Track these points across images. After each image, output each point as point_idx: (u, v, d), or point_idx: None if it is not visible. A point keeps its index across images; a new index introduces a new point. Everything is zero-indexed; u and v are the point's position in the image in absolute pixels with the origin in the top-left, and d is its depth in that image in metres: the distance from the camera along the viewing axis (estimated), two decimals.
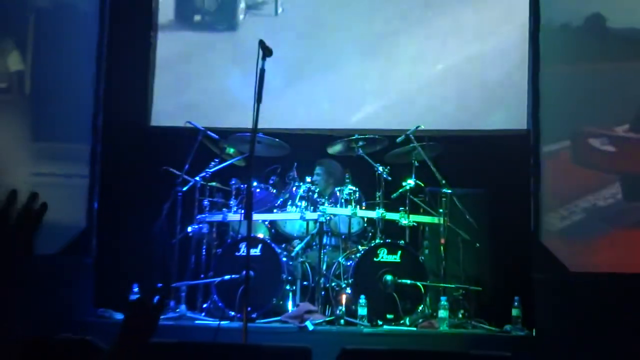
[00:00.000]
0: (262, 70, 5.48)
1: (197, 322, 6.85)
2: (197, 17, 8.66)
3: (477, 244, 7.20)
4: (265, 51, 5.56)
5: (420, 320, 6.84)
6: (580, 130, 7.10)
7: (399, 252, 6.93)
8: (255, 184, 7.18)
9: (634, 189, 6.91)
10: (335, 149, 7.67)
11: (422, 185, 7.33)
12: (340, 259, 7.26)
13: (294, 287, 7.12)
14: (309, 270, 7.27)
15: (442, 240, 7.23)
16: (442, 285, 7.06)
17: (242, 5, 8.58)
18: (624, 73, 7.08)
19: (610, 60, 7.19)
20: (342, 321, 6.76)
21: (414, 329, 6.72)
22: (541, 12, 7.42)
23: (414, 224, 7.33)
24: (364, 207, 7.34)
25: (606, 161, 7.05)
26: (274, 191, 7.53)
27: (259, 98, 5.48)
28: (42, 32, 7.74)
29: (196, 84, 8.53)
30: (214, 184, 7.51)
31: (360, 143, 7.37)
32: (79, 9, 7.78)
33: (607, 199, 6.98)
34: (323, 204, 7.26)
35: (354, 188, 7.37)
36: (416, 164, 7.31)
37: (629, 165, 6.98)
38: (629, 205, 6.90)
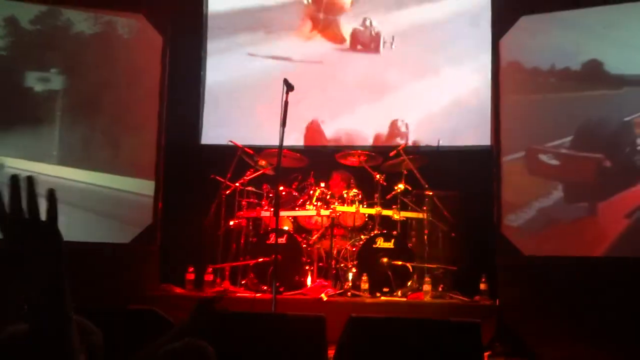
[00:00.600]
0: (286, 102, 5.49)
1: (237, 294, 6.84)
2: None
3: (453, 234, 7.20)
4: (289, 87, 5.58)
5: (409, 293, 6.82)
6: (532, 148, 7.06)
7: (393, 240, 6.90)
8: (281, 188, 7.19)
9: (573, 193, 6.90)
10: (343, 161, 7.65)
11: (410, 189, 7.30)
12: (347, 245, 7.28)
13: (312, 268, 7.09)
14: (323, 255, 7.26)
15: (426, 231, 7.22)
16: (425, 265, 7.02)
17: None
18: (565, 102, 7.04)
19: (555, 92, 7.15)
20: (349, 294, 6.75)
21: (405, 299, 6.70)
22: (500, 57, 7.40)
23: (404, 218, 7.31)
24: (365, 206, 7.33)
25: (552, 172, 7.02)
26: (296, 194, 7.55)
27: (283, 123, 5.49)
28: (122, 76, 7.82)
29: (236, 111, 8.53)
30: (250, 188, 7.53)
31: (363, 157, 7.41)
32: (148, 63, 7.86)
33: (552, 200, 6.97)
34: (334, 203, 7.27)
35: (357, 191, 7.41)
36: (405, 172, 7.27)
37: (569, 175, 6.95)
38: (569, 206, 6.88)
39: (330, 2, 8.58)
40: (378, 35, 8.40)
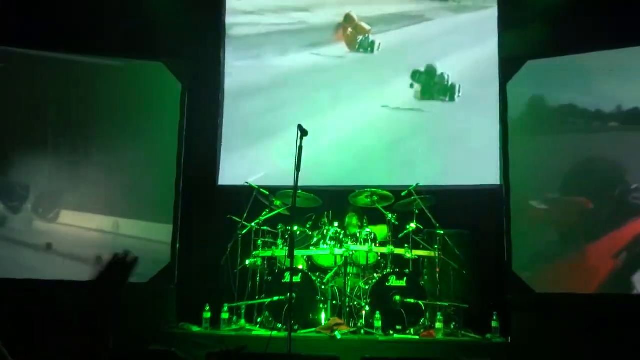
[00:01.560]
0: (300, 147, 5.51)
1: (253, 332, 6.78)
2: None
3: (464, 272, 7.13)
4: (303, 132, 5.60)
5: (422, 330, 6.74)
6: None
7: (405, 279, 6.87)
8: (295, 227, 7.16)
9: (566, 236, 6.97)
10: (356, 201, 7.62)
11: (421, 227, 7.29)
12: (360, 284, 7.24)
13: (326, 305, 7.02)
14: (337, 292, 7.18)
15: (437, 269, 7.19)
16: (438, 303, 6.96)
17: None
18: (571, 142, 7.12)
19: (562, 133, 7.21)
20: (362, 331, 6.69)
21: (417, 337, 6.63)
22: (508, 100, 7.45)
23: (416, 257, 7.28)
24: (378, 245, 7.29)
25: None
26: (310, 233, 7.49)
27: (298, 167, 5.49)
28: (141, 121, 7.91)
29: (252, 153, 8.56)
30: (265, 228, 7.50)
31: (375, 197, 7.39)
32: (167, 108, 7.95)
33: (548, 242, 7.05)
34: (347, 242, 7.24)
35: (369, 230, 7.36)
36: (416, 211, 7.25)
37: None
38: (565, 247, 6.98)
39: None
40: None
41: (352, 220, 7.70)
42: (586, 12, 7.35)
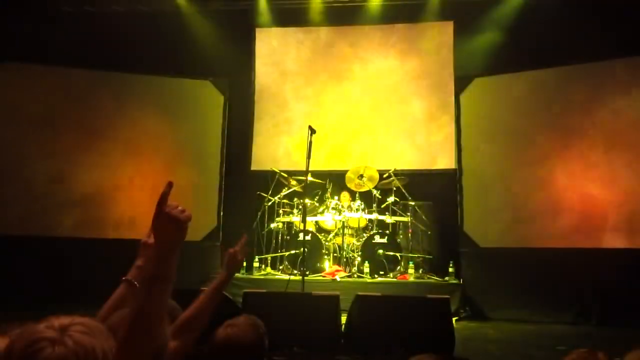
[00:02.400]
0: (310, 142, 5.50)
1: (276, 277, 6.84)
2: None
3: (429, 232, 7.15)
4: (312, 131, 5.57)
5: (398, 275, 6.78)
6: None
7: (386, 237, 6.88)
8: (307, 200, 7.13)
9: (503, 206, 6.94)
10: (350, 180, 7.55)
11: (398, 200, 7.27)
12: (354, 241, 7.24)
13: (329, 257, 7.08)
14: (337, 248, 7.21)
15: (410, 230, 7.20)
16: (410, 255, 7.00)
17: None
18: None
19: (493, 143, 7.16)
20: (355, 275, 6.73)
21: (395, 279, 6.66)
22: (461, 107, 7.39)
23: (394, 221, 7.29)
24: (366, 213, 7.26)
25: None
26: (317, 204, 7.46)
27: (308, 155, 5.50)
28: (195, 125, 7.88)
29: (275, 145, 8.53)
30: (284, 201, 7.49)
31: (364, 178, 7.31)
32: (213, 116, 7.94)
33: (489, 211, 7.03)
34: (344, 211, 7.21)
35: (360, 202, 7.32)
36: (394, 188, 7.22)
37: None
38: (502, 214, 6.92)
39: None
40: None
41: (345, 197, 7.61)
42: (518, 42, 7.29)
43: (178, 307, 1.91)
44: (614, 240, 6.18)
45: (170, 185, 1.25)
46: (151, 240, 1.75)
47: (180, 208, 1.25)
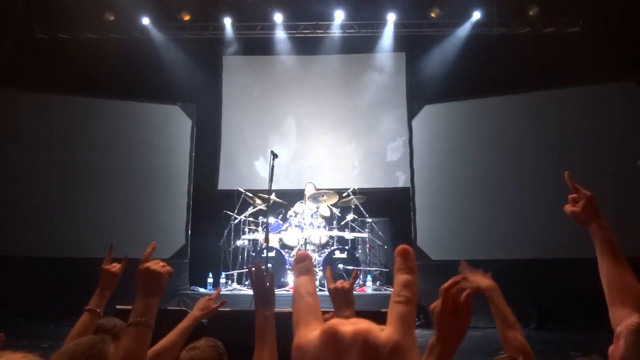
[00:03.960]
0: (272, 166, 5.59)
1: (242, 292, 6.84)
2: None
3: (385, 247, 7.33)
4: (274, 156, 5.68)
5: (357, 287, 6.88)
6: None
7: (346, 252, 6.96)
8: (271, 219, 7.25)
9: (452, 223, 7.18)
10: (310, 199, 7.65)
11: (356, 217, 7.40)
12: (315, 256, 7.23)
13: (292, 272, 7.11)
14: None
15: (367, 245, 7.35)
16: (368, 268, 7.14)
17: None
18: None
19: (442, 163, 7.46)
20: (317, 289, 6.75)
21: (354, 291, 6.75)
22: (413, 131, 7.67)
23: (353, 237, 7.38)
24: (327, 229, 7.37)
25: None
26: (281, 222, 7.52)
27: (270, 179, 5.60)
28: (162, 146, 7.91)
29: (241, 166, 8.64)
30: (250, 219, 7.49)
31: (324, 196, 7.39)
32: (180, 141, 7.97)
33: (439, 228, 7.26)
34: (306, 228, 7.26)
35: (322, 220, 7.44)
36: (353, 206, 7.38)
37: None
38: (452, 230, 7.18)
39: None
40: None
41: (310, 188, 7.63)
42: (464, 71, 7.67)
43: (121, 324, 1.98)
44: (550, 252, 6.52)
45: (153, 246, 1.41)
46: (111, 268, 1.89)
47: (161, 264, 1.40)
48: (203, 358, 1.90)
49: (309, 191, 7.58)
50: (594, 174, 5.98)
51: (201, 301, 2.12)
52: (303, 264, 0.61)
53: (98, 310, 1.86)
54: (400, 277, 0.57)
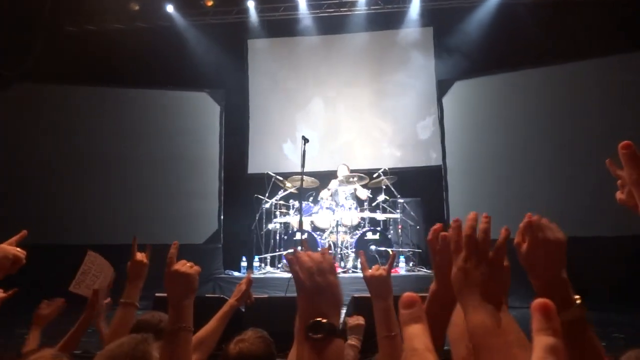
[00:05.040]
0: (304, 151, 5.55)
1: (275, 275, 6.87)
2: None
3: (417, 227, 7.26)
4: (305, 140, 5.64)
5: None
6: None
7: (378, 233, 6.93)
8: (303, 201, 7.28)
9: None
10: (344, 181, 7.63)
11: (388, 198, 7.32)
12: (347, 238, 7.25)
13: None
14: (332, 245, 7.18)
15: (399, 226, 7.30)
16: (400, 249, 7.10)
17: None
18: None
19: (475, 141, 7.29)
20: (350, 271, 6.79)
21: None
22: (444, 109, 7.51)
23: (385, 218, 7.35)
24: (359, 211, 7.34)
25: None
26: (312, 205, 7.50)
27: (302, 164, 5.58)
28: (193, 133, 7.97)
29: (270, 149, 8.67)
30: (281, 202, 7.51)
31: (355, 178, 7.33)
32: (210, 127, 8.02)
33: (472, 206, 7.03)
34: (338, 210, 7.24)
35: (353, 201, 7.42)
36: (384, 187, 7.31)
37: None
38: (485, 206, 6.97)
39: None
40: None
41: (343, 169, 7.55)
42: (495, 45, 7.43)
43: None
44: (592, 229, 6.30)
45: (176, 246, 1.35)
46: (138, 257, 1.86)
47: (189, 264, 1.35)
48: (252, 350, 1.86)
49: (342, 172, 7.51)
50: (637, 144, 5.71)
51: (239, 287, 2.12)
52: (412, 311, 0.53)
53: (135, 302, 1.85)
54: (543, 341, 0.46)
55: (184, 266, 1.36)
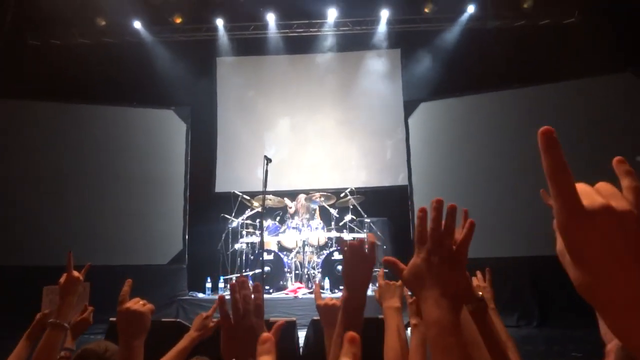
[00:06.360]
0: (266, 171, 5.46)
1: None
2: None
3: (384, 246, 7.25)
4: (268, 160, 5.56)
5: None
6: None
7: None
8: (269, 221, 7.21)
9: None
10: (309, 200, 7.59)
11: (355, 217, 7.29)
12: (314, 258, 7.21)
13: (291, 274, 7.03)
14: (299, 265, 7.16)
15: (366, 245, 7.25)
16: None
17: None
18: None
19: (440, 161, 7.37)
20: None
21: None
22: (409, 129, 7.59)
23: (352, 237, 7.23)
24: (325, 230, 7.31)
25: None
26: (279, 224, 7.46)
27: (264, 184, 5.49)
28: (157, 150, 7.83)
29: (238, 168, 8.58)
30: (248, 221, 7.42)
31: (322, 198, 7.33)
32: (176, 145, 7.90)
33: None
34: (304, 230, 7.20)
35: (320, 221, 7.41)
36: (351, 206, 7.28)
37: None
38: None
39: None
40: None
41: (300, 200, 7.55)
42: (459, 68, 7.59)
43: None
44: (552, 248, 6.42)
45: (129, 284, 1.32)
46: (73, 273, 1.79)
47: (141, 302, 1.32)
48: None
49: (301, 203, 7.46)
50: (594, 167, 5.88)
51: (197, 320, 1.97)
52: (264, 346, 0.52)
53: (64, 324, 1.67)
54: None
55: (136, 304, 1.31)
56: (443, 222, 0.88)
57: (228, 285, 6.90)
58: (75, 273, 1.79)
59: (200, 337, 1.92)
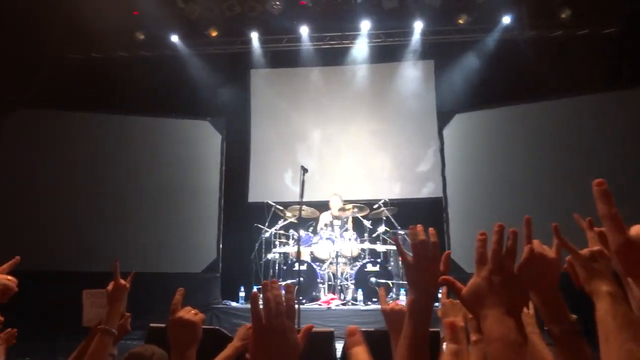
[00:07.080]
0: (303, 181, 5.51)
1: None
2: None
3: None
4: (304, 170, 5.61)
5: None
6: None
7: (378, 265, 6.82)
8: (302, 232, 7.18)
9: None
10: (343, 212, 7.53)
11: (388, 229, 7.22)
12: (347, 269, 7.16)
13: (324, 285, 7.00)
14: (332, 276, 7.12)
15: (400, 258, 7.16)
16: (401, 282, 6.97)
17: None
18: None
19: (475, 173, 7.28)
20: (350, 303, 6.67)
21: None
22: (444, 140, 7.53)
23: (385, 249, 7.26)
24: (359, 242, 7.24)
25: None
26: (312, 235, 7.41)
27: (301, 194, 5.53)
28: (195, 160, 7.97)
29: (271, 178, 8.64)
30: (281, 232, 7.44)
31: (356, 209, 7.28)
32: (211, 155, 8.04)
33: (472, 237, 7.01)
34: (338, 240, 7.13)
35: (353, 232, 7.35)
36: (384, 218, 7.24)
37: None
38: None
39: None
40: None
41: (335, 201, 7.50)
42: (495, 79, 7.51)
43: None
44: None
45: (181, 292, 1.33)
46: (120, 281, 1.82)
47: (193, 311, 1.33)
48: None
49: (335, 203, 7.46)
50: (633, 178, 5.74)
51: (242, 330, 1.95)
52: (354, 338, 0.55)
53: (113, 330, 1.72)
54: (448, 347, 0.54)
55: (188, 313, 1.33)
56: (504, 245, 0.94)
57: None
58: (122, 281, 1.83)
59: (244, 346, 1.91)
